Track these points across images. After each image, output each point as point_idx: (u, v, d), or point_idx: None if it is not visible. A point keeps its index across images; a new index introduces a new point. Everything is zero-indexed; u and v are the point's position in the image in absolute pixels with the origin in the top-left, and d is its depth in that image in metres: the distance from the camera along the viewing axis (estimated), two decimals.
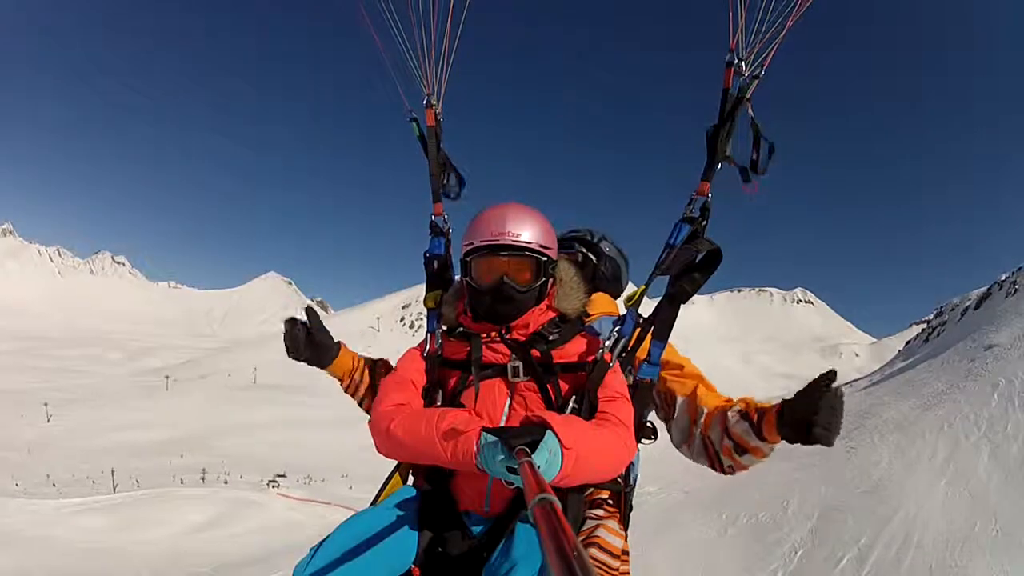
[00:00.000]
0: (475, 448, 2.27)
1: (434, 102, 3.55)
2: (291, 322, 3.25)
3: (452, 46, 3.43)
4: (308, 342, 3.26)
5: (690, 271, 2.93)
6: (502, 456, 2.10)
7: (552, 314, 2.84)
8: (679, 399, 2.96)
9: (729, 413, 2.73)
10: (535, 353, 2.70)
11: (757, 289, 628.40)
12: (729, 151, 2.94)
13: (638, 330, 2.94)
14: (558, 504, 1.26)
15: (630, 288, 3.46)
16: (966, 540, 17.63)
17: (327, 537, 2.44)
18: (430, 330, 3.05)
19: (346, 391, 3.47)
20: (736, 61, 2.94)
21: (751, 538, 21.38)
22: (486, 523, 2.56)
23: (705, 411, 2.85)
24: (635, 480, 3.04)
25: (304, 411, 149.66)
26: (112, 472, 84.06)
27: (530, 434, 2.14)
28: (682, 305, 3.00)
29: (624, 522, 2.80)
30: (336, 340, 3.37)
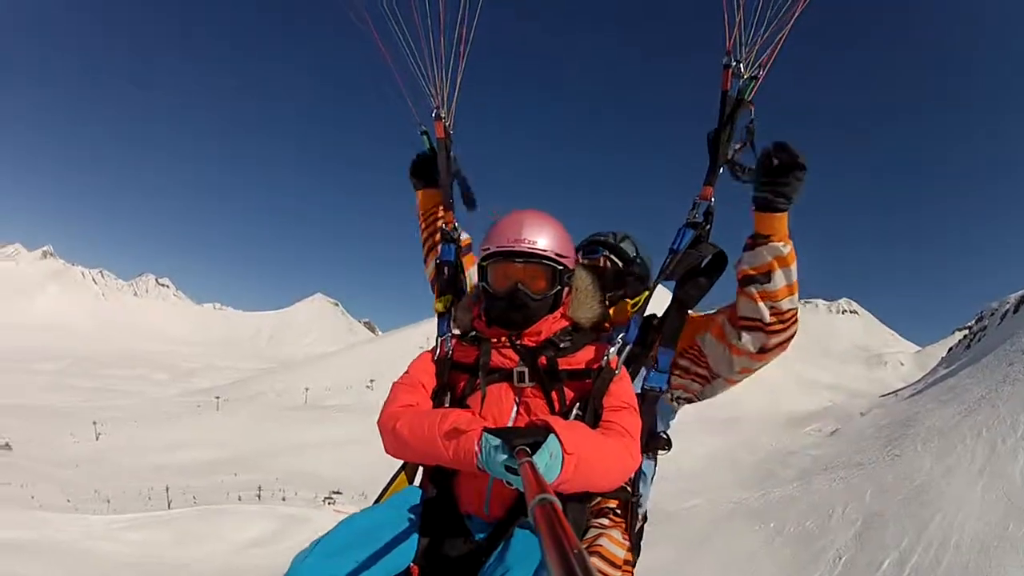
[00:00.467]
0: (476, 448, 2.35)
1: (443, 114, 3.64)
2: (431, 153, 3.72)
3: (460, 59, 3.55)
4: (428, 166, 3.75)
5: (696, 276, 3.02)
6: (503, 456, 2.20)
7: (565, 322, 2.90)
8: (704, 339, 3.09)
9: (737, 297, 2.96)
10: (542, 360, 2.76)
11: (803, 300, 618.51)
12: (731, 154, 2.99)
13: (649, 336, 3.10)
14: (558, 504, 1.28)
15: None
16: (1000, 541, 18.19)
17: (328, 532, 2.54)
18: (440, 334, 3.12)
19: (420, 221, 3.90)
20: (733, 63, 3.02)
21: (797, 546, 22.43)
22: (488, 527, 2.63)
23: (717, 317, 3.05)
24: (647, 490, 3.06)
25: (354, 429, 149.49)
26: (167, 489, 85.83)
27: (533, 435, 2.23)
28: (689, 311, 3.07)
29: (630, 532, 2.81)
30: (449, 186, 3.68)
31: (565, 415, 2.65)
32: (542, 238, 2.76)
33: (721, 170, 3.03)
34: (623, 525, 2.80)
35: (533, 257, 2.75)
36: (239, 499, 74.88)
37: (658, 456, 3.15)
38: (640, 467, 2.87)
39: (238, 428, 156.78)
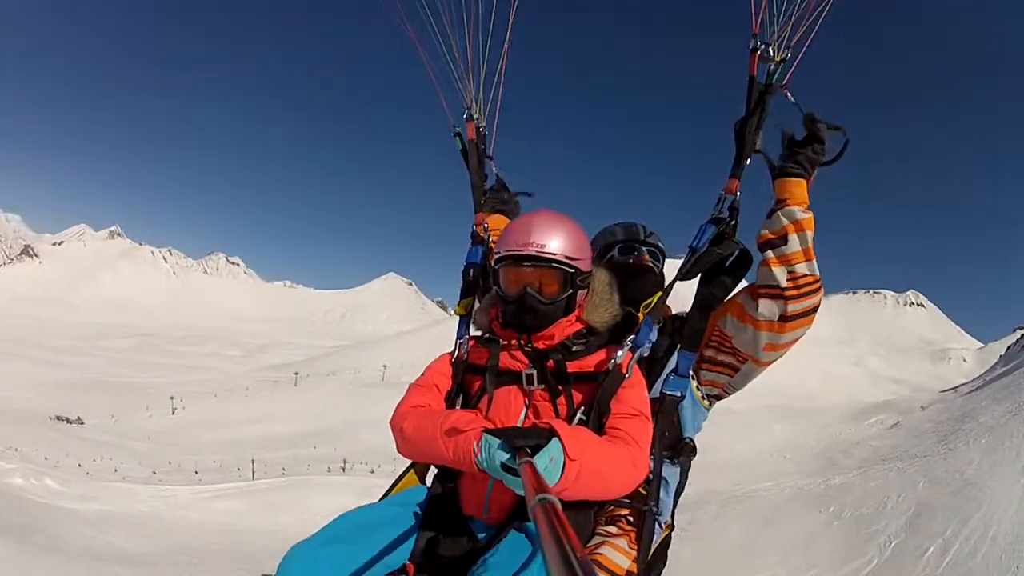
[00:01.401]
0: (474, 447, 2.43)
1: (475, 115, 3.80)
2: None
3: (486, 57, 3.65)
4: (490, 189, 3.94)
5: (720, 275, 3.04)
6: (503, 456, 2.26)
7: (579, 325, 2.94)
8: (726, 321, 3.14)
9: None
10: (550, 363, 2.82)
11: (871, 291, 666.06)
12: (760, 144, 3.00)
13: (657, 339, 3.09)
14: (558, 504, 1.32)
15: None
16: None
17: (328, 523, 2.65)
18: (459, 336, 3.22)
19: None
20: (761, 46, 2.99)
21: (852, 530, 24.75)
22: (489, 529, 2.72)
23: (737, 297, 3.13)
24: (669, 498, 3.09)
25: None
26: (252, 461, 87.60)
27: (535, 437, 2.28)
28: (711, 312, 3.12)
29: (640, 542, 2.80)
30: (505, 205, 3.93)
31: (570, 419, 2.70)
32: (553, 240, 2.78)
33: (748, 161, 3.00)
34: (633, 534, 2.79)
35: (542, 261, 2.78)
36: (328, 470, 77.07)
37: (689, 461, 3.20)
38: (660, 474, 2.92)
39: (317, 403, 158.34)
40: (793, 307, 2.89)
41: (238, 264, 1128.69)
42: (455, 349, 3.13)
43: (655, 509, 2.86)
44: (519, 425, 2.73)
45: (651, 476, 2.85)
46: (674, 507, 3.19)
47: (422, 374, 3.11)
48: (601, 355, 2.85)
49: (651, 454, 2.78)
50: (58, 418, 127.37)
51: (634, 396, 2.75)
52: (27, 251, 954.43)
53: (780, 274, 2.88)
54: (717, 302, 3.05)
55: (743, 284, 3.16)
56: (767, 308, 2.92)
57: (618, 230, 3.72)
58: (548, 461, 2.21)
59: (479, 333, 3.15)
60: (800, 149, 2.93)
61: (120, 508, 37.85)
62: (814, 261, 2.90)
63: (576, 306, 2.93)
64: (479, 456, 2.38)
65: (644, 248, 3.56)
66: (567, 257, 2.79)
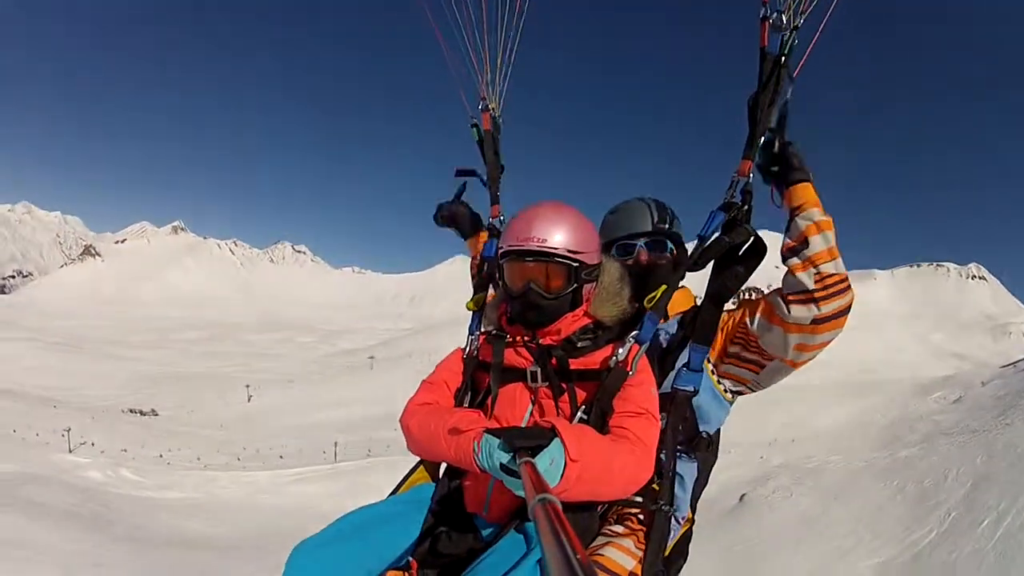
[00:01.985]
0: (474, 447, 2.46)
1: (491, 105, 3.84)
2: (452, 201, 4.02)
3: (508, 49, 3.71)
4: (456, 214, 4.01)
5: (733, 264, 2.94)
6: (503, 457, 2.27)
7: (587, 320, 2.92)
8: (754, 321, 3.01)
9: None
10: (552, 360, 2.83)
11: (935, 264, 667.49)
12: (774, 121, 2.89)
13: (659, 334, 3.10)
14: (558, 504, 1.35)
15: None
16: None
17: (334, 520, 2.74)
18: (471, 332, 3.25)
19: (472, 264, 3.93)
20: (772, 13, 2.87)
21: (915, 502, 27.61)
22: (491, 527, 2.76)
23: (768, 296, 2.97)
24: (686, 494, 3.09)
25: None
26: (336, 444, 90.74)
27: (536, 437, 2.28)
28: (725, 304, 3.04)
29: (648, 542, 2.77)
30: (480, 226, 4.05)
31: (574, 418, 2.72)
32: (555, 234, 2.78)
33: (762, 140, 2.89)
34: (642, 534, 2.78)
35: (544, 256, 2.77)
36: (409, 452, 78.46)
37: (710, 456, 3.25)
38: (674, 470, 2.90)
39: (394, 386, 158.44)
40: (825, 308, 2.77)
41: (304, 252, 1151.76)
42: (467, 345, 3.15)
43: (665, 507, 2.80)
44: (524, 423, 2.77)
45: (666, 473, 2.84)
46: (695, 502, 3.20)
47: (433, 371, 3.15)
48: (608, 351, 2.81)
49: (662, 450, 2.79)
50: (132, 411, 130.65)
51: (640, 394, 2.69)
52: (89, 250, 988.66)
53: (806, 277, 2.77)
54: (730, 294, 2.92)
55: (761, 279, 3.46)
56: (799, 312, 2.80)
57: (621, 219, 3.53)
58: (549, 463, 2.20)
59: (491, 329, 3.11)
60: (787, 154, 2.84)
61: (201, 495, 37.64)
62: (840, 260, 2.81)
63: (584, 300, 2.91)
64: (479, 456, 2.40)
65: (641, 243, 3.42)
66: (569, 251, 2.78)
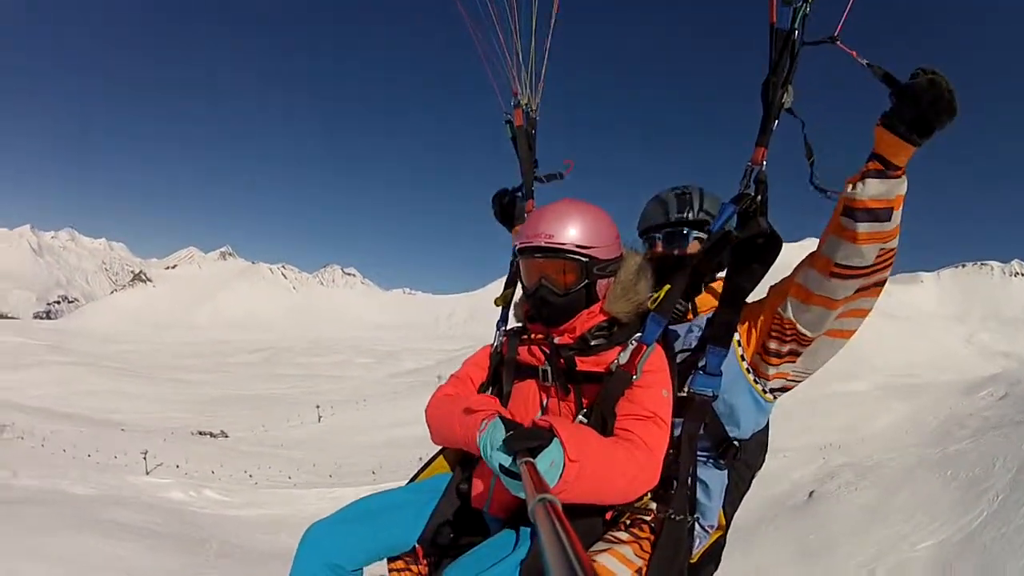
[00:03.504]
0: (481, 424, 2.55)
1: (524, 101, 3.91)
2: (502, 192, 3.98)
3: (541, 42, 3.76)
4: (507, 207, 3.95)
5: (748, 261, 2.85)
6: (504, 459, 2.30)
7: (602, 317, 2.94)
8: (786, 307, 2.92)
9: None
10: (560, 359, 2.90)
11: (979, 263, 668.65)
12: (789, 101, 2.74)
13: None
14: (558, 504, 1.37)
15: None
16: None
17: (347, 504, 2.97)
18: (497, 328, 3.38)
19: None
20: None
21: (966, 488, 30.21)
22: (495, 522, 2.86)
23: (794, 276, 2.91)
24: (713, 503, 3.08)
25: None
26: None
27: (536, 438, 2.29)
28: (742, 304, 2.95)
29: (656, 550, 2.74)
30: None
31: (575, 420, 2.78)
32: (565, 230, 2.82)
33: (776, 124, 2.76)
34: (647, 542, 2.75)
35: (552, 251, 2.82)
36: None
37: (747, 464, 3.22)
38: (694, 476, 2.89)
39: None
40: (871, 279, 2.72)
41: (354, 275, 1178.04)
42: (494, 340, 3.28)
43: (677, 516, 2.76)
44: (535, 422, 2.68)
45: (682, 480, 2.81)
46: (730, 510, 3.20)
47: (461, 365, 3.31)
48: (617, 352, 2.82)
49: (676, 456, 2.79)
50: (201, 432, 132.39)
51: (648, 396, 2.69)
52: (140, 276, 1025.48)
53: (870, 252, 2.61)
54: (746, 293, 2.86)
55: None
56: (843, 284, 2.70)
57: (649, 210, 3.53)
58: (549, 463, 2.22)
59: (518, 325, 3.24)
60: (923, 101, 2.34)
61: (290, 512, 39.29)
62: (897, 236, 2.65)
63: (601, 296, 2.94)
64: (480, 434, 2.47)
65: (658, 236, 3.42)
66: (578, 246, 2.81)
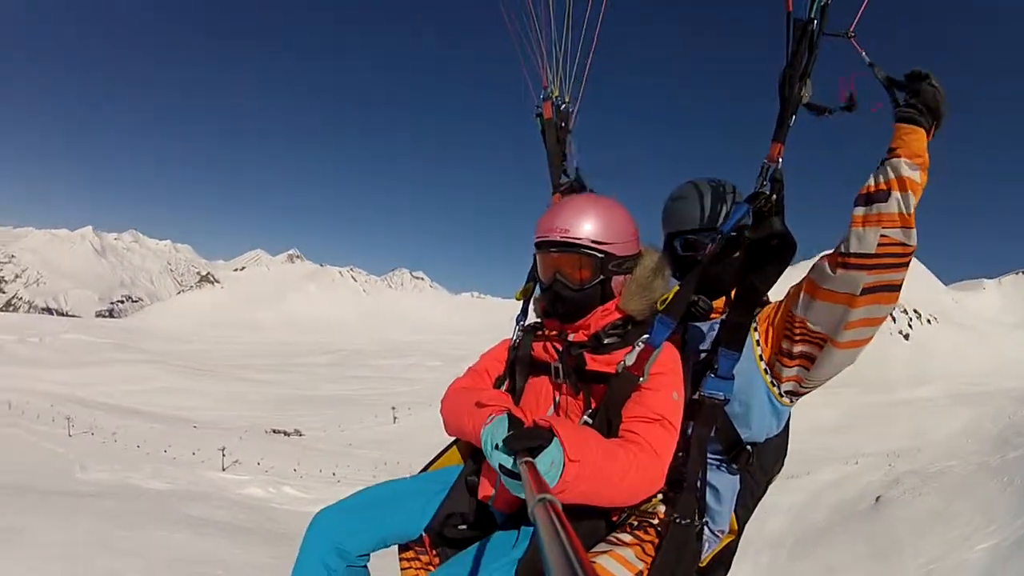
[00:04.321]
0: (487, 419, 2.61)
1: (553, 95, 3.95)
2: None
3: (571, 34, 3.76)
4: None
5: (762, 263, 2.87)
6: (506, 460, 2.34)
7: (616, 315, 2.97)
8: (797, 304, 2.88)
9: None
10: (570, 358, 2.92)
11: None
12: (808, 95, 2.71)
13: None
14: (559, 504, 1.39)
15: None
16: None
17: (357, 491, 3.06)
18: (517, 322, 3.39)
19: None
20: None
21: (1022, 494, 32.41)
22: (499, 517, 2.88)
23: (809, 274, 2.87)
24: (724, 507, 3.09)
25: None
26: None
27: (536, 438, 2.32)
28: (757, 307, 3.02)
29: (659, 554, 2.74)
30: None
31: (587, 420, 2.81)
32: (580, 224, 2.86)
33: (793, 120, 2.72)
34: (651, 545, 2.76)
35: (567, 246, 2.87)
36: None
37: (762, 469, 3.20)
38: (703, 480, 2.87)
39: None
40: (874, 277, 2.62)
41: (423, 278, 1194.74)
42: (513, 335, 3.29)
43: (683, 520, 2.76)
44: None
45: (689, 484, 2.81)
46: (743, 515, 3.20)
47: (479, 359, 3.37)
48: (628, 352, 2.81)
49: (684, 460, 2.80)
50: (275, 431, 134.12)
51: (656, 399, 2.70)
52: (208, 277, 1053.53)
53: (869, 235, 2.58)
54: (759, 296, 2.91)
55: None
56: (845, 276, 2.67)
57: (673, 209, 3.37)
58: (549, 464, 2.24)
59: (536, 320, 3.25)
60: (919, 87, 2.58)
61: None
62: (912, 230, 2.58)
63: (617, 294, 2.95)
64: (484, 430, 2.52)
65: (680, 240, 3.32)
66: (594, 241, 2.84)
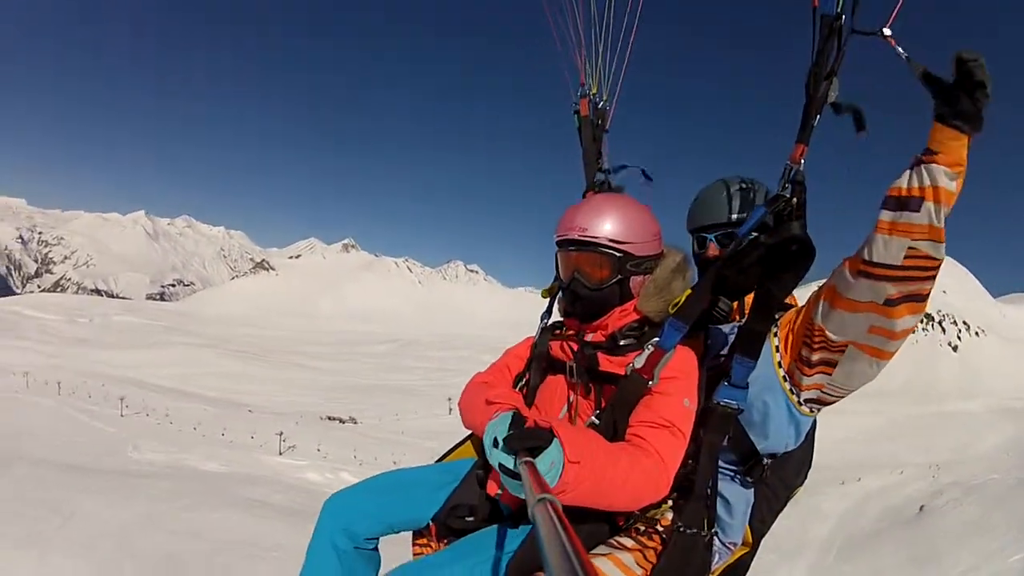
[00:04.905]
0: (492, 416, 2.60)
1: (590, 92, 3.91)
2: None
3: (607, 30, 3.71)
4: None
5: (781, 269, 2.73)
6: (507, 460, 2.32)
7: (634, 316, 2.96)
8: (817, 312, 2.71)
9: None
10: (582, 358, 2.94)
11: None
12: (834, 96, 2.59)
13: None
14: (558, 504, 1.42)
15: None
16: None
17: (370, 477, 3.16)
18: (541, 320, 3.43)
19: None
20: None
21: None
22: (506, 510, 2.92)
23: (830, 279, 2.70)
24: (736, 520, 3.01)
25: None
26: None
27: (535, 439, 2.32)
28: (776, 313, 2.92)
29: (660, 561, 2.73)
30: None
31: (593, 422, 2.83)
32: (599, 223, 2.87)
33: (818, 120, 2.60)
34: (653, 552, 2.75)
35: (585, 245, 2.88)
36: None
37: (780, 481, 3.13)
38: (713, 490, 2.83)
39: None
40: (899, 288, 2.45)
41: (477, 271, 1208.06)
42: (537, 332, 3.32)
43: (688, 529, 2.75)
44: (562, 416, 2.94)
45: (698, 493, 2.78)
46: (762, 528, 3.15)
47: (502, 355, 3.41)
48: (651, 352, 2.78)
49: (694, 469, 2.78)
50: (331, 418, 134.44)
51: (667, 405, 2.67)
52: (263, 264, 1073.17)
53: (895, 246, 2.39)
54: (776, 303, 2.78)
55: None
56: (866, 286, 2.49)
57: (699, 207, 3.44)
58: (549, 464, 2.24)
59: (559, 319, 3.28)
60: (963, 93, 2.25)
61: None
62: (942, 244, 2.39)
63: (636, 294, 2.97)
64: (488, 425, 2.50)
65: (711, 236, 3.36)
66: (612, 240, 2.85)
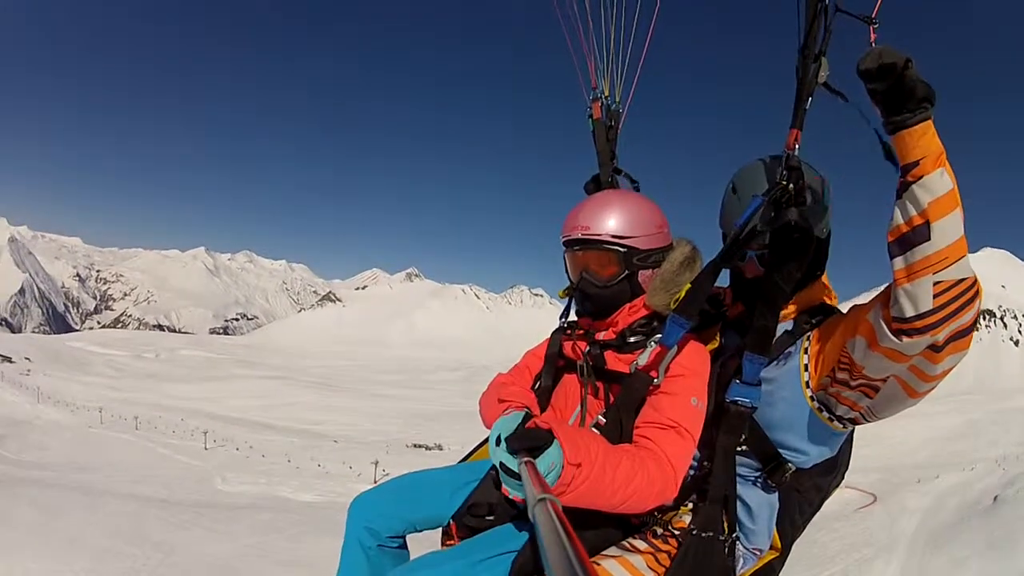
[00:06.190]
0: (498, 415, 2.71)
1: (603, 95, 3.93)
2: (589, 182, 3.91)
3: (621, 34, 3.77)
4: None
5: (785, 259, 2.66)
6: (509, 460, 2.34)
7: (644, 312, 2.97)
8: (854, 345, 2.54)
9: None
10: (591, 356, 2.99)
11: None
12: (824, 76, 2.56)
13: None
14: (559, 504, 1.45)
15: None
16: None
17: (394, 477, 3.24)
18: (560, 319, 3.41)
19: None
20: None
21: None
22: (520, 510, 2.89)
23: (868, 311, 2.50)
24: (758, 525, 2.93)
25: None
26: None
27: (535, 439, 2.32)
28: (782, 306, 2.80)
29: (674, 564, 2.69)
30: None
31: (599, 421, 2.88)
32: (602, 220, 2.90)
33: (810, 102, 2.59)
34: (667, 556, 2.72)
35: (588, 243, 2.92)
36: None
37: (811, 488, 3.04)
38: (733, 494, 2.78)
39: None
40: (943, 335, 2.23)
41: (542, 295, 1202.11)
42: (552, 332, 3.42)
43: (704, 533, 2.71)
44: (574, 417, 3.02)
45: (715, 496, 2.75)
46: (793, 533, 3.05)
47: (523, 356, 3.51)
48: (654, 351, 2.80)
49: (707, 471, 2.78)
50: (416, 445, 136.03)
51: (673, 405, 2.66)
52: (329, 296, 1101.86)
53: (921, 291, 2.17)
54: (783, 294, 2.68)
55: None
56: (911, 345, 2.28)
57: (734, 197, 3.01)
58: (548, 466, 2.24)
59: (572, 319, 3.30)
60: (896, 83, 2.10)
61: None
62: (966, 257, 2.19)
63: (643, 290, 2.98)
64: (494, 424, 2.55)
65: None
66: (615, 236, 2.87)
